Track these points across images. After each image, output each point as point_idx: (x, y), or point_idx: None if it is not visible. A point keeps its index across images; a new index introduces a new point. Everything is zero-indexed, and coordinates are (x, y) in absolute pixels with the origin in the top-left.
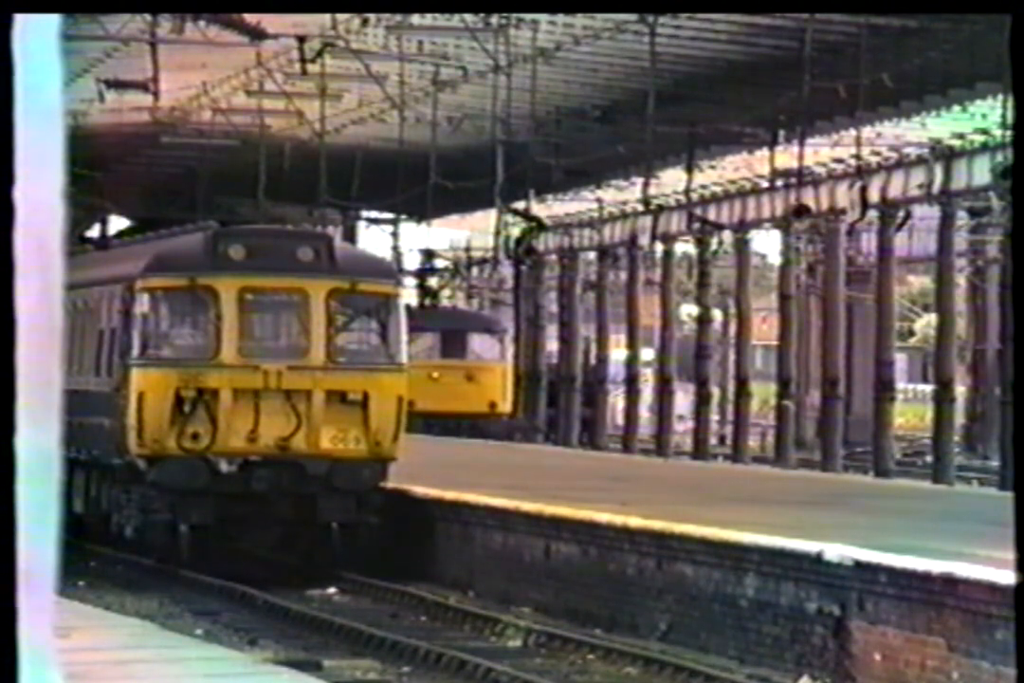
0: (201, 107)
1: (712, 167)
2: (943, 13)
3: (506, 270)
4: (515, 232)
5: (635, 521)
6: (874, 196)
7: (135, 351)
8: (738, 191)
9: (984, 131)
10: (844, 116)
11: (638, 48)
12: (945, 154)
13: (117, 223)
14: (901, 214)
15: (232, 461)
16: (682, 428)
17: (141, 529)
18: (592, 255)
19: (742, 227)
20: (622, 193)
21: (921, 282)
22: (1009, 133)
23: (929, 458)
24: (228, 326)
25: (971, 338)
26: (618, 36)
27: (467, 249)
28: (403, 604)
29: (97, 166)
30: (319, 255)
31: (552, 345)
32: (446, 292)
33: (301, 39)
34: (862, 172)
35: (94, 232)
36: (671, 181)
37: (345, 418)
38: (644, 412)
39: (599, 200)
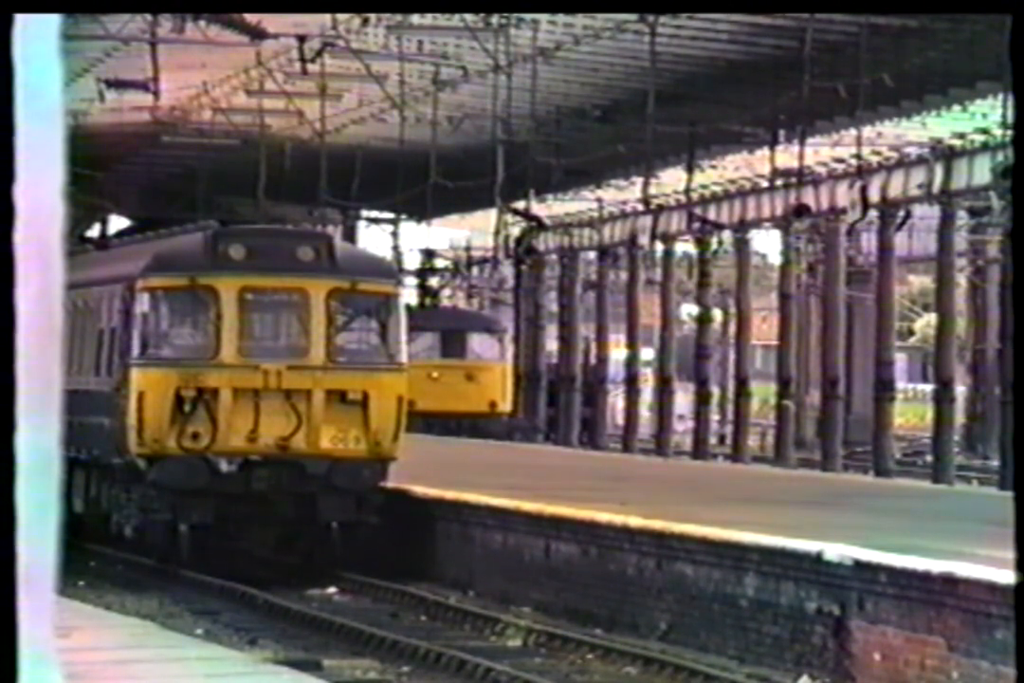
0: (201, 107)
1: (712, 167)
2: (943, 13)
3: (506, 270)
4: (515, 232)
5: (635, 521)
6: (874, 196)
7: (135, 351)
8: (738, 191)
9: (984, 131)
10: (844, 116)
11: (638, 48)
12: (945, 154)
13: (117, 223)
14: (901, 214)
15: (232, 461)
16: (682, 428)
17: (141, 529)
18: (592, 255)
19: (742, 227)
20: (622, 193)
21: (921, 282)
22: (1009, 132)
23: (929, 458)
24: (228, 326)
25: (971, 338)
26: (618, 36)
27: (467, 249)
28: (403, 604)
29: (97, 166)
30: (319, 255)
31: (552, 345)
32: (446, 292)
33: (301, 39)
34: (862, 172)
35: (94, 232)
36: (671, 181)
37: (345, 418)
38: (644, 412)
39: (599, 200)
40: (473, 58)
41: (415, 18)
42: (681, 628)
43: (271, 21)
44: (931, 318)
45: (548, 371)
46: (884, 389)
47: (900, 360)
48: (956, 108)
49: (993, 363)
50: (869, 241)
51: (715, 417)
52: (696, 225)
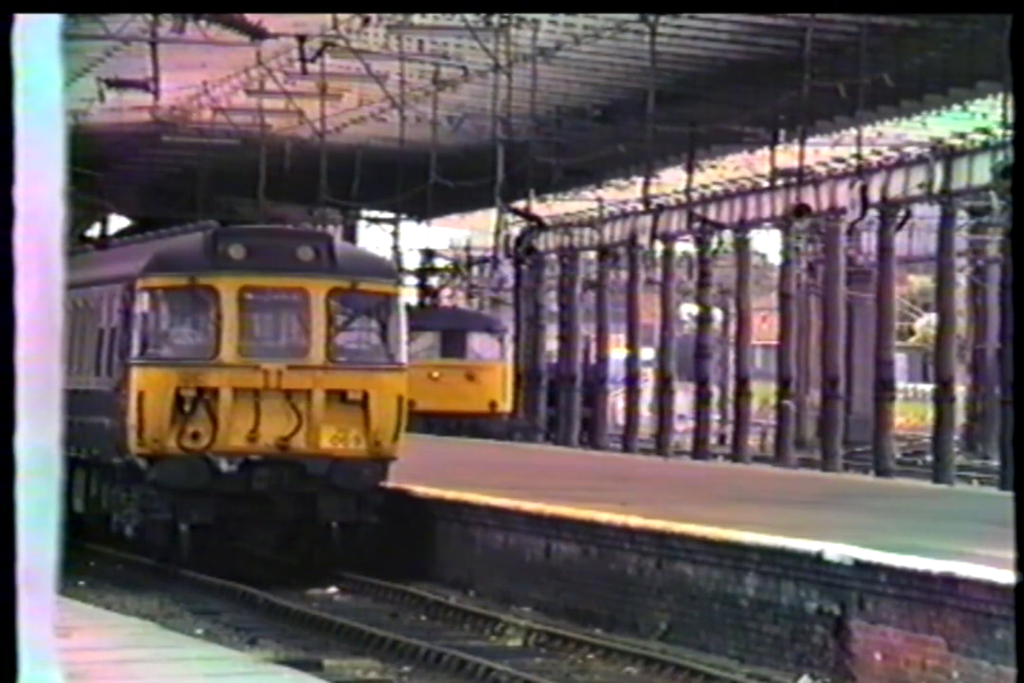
0: (201, 106)
1: (712, 167)
2: (943, 13)
3: (506, 270)
4: (515, 232)
5: (635, 521)
6: (874, 195)
7: (135, 350)
8: (738, 191)
9: (985, 130)
10: (844, 115)
11: (639, 48)
12: (945, 153)
13: (117, 223)
14: (901, 213)
15: (232, 460)
16: (682, 428)
17: (141, 529)
18: (592, 254)
19: (742, 227)
20: (622, 192)
21: (921, 282)
22: (1009, 132)
23: (929, 458)
24: (228, 325)
25: (971, 338)
26: (619, 36)
27: (467, 249)
28: (403, 604)
29: (97, 166)
30: (319, 254)
31: (552, 345)
32: (446, 292)
33: (301, 39)
34: (862, 171)
35: (94, 232)
36: (671, 181)
37: (345, 418)
38: (644, 412)
39: (599, 199)
40: (473, 58)
41: (415, 18)
42: (681, 628)
43: (271, 21)
44: (931, 318)
45: (548, 371)
46: (884, 389)
47: (900, 360)
48: (956, 108)
49: (993, 363)
50: (869, 241)
51: (715, 417)
52: (696, 225)
